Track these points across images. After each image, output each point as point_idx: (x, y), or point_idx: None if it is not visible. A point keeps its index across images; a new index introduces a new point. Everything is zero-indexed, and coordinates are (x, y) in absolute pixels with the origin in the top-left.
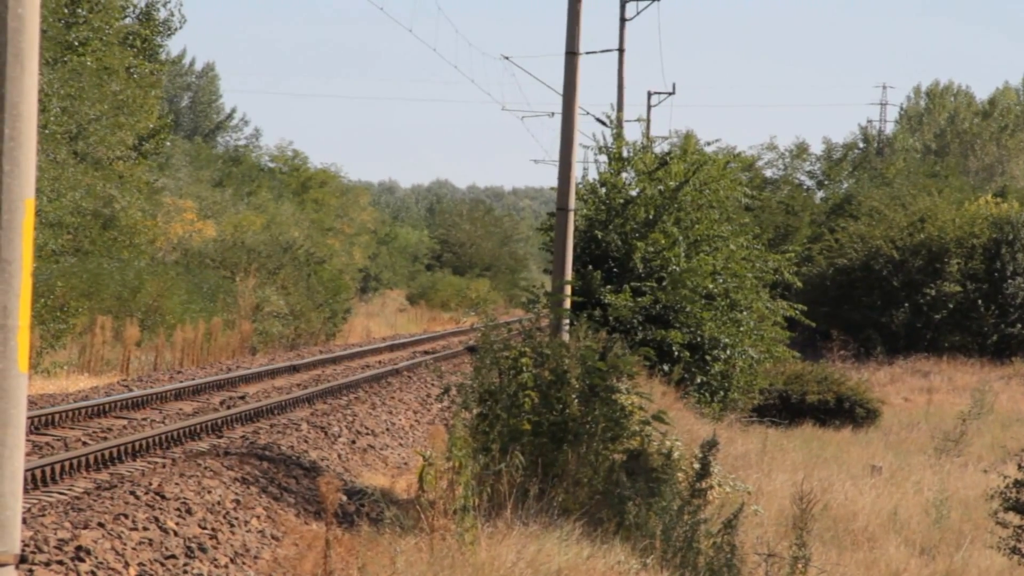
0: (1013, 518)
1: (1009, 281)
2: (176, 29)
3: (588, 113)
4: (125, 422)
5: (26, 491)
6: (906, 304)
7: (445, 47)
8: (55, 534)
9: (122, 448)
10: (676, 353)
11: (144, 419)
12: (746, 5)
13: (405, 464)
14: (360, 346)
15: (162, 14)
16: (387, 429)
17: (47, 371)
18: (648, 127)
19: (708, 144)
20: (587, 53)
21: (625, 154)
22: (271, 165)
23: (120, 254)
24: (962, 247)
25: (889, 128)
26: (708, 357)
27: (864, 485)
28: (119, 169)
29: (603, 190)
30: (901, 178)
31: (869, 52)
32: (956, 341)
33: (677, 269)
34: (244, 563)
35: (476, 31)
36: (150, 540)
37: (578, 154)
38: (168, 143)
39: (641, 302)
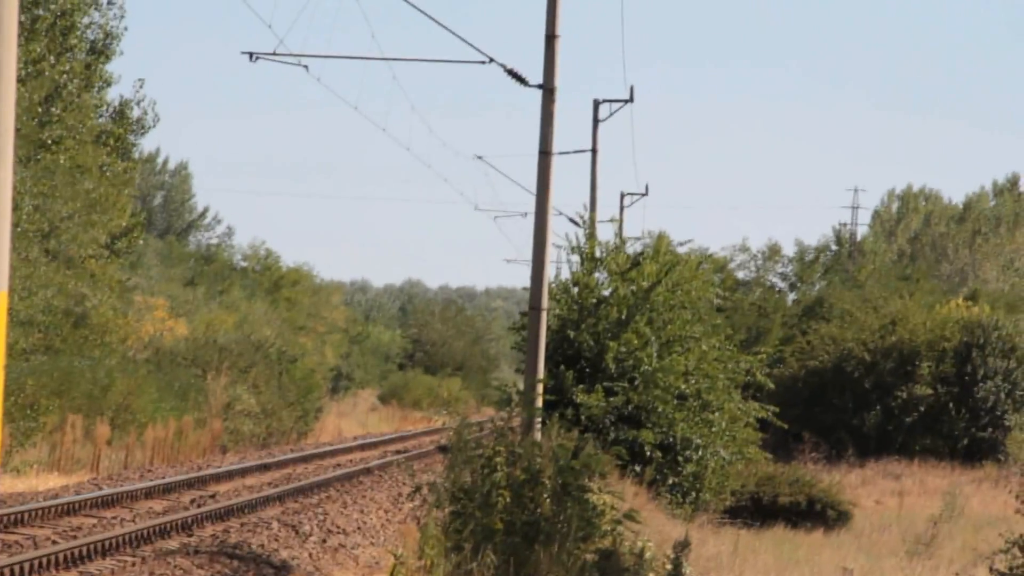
0: None
1: (980, 384)
2: (149, 128)
3: (561, 213)
4: (95, 520)
5: None
6: (877, 406)
7: (419, 146)
8: None
9: (92, 546)
10: (648, 453)
11: (114, 517)
12: (718, 108)
13: (376, 563)
14: (332, 445)
15: (136, 113)
16: (358, 528)
17: (17, 469)
18: (621, 227)
19: (680, 245)
20: (560, 153)
21: (598, 254)
22: (243, 264)
23: (91, 352)
24: (933, 350)
25: (861, 231)
26: (680, 457)
27: None
28: (91, 267)
29: (576, 290)
30: (872, 281)
31: (841, 155)
32: (927, 444)
33: (649, 369)
34: None
35: (449, 130)
36: None
37: (551, 254)
38: (141, 241)
39: (613, 402)
